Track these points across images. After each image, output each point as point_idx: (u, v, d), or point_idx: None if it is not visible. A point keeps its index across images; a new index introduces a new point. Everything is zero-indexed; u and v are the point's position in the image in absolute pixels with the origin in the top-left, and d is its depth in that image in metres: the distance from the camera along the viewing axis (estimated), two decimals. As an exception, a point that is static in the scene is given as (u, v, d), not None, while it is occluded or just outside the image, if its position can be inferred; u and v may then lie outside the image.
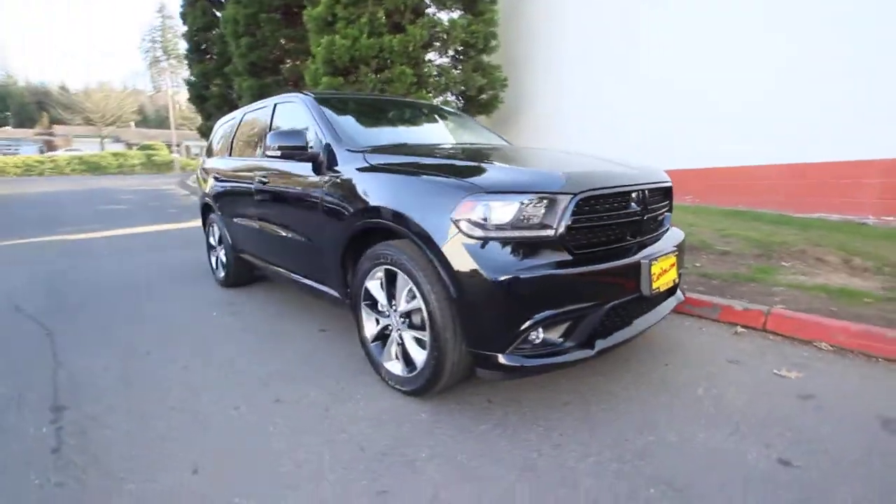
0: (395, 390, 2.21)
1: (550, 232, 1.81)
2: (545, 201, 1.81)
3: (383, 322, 2.27)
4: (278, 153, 2.66)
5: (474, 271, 1.77)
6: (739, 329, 2.85)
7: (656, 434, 1.84)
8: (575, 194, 1.85)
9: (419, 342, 2.08)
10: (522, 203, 1.79)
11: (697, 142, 6.18)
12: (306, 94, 3.09)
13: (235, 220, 3.80)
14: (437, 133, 3.40)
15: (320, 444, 1.84)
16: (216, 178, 4.07)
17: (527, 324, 1.78)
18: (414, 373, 2.09)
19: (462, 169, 2.01)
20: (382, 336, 2.32)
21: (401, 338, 2.17)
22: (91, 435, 1.96)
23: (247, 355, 2.73)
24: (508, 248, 1.79)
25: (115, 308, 3.76)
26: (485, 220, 1.78)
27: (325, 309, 3.52)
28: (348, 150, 2.52)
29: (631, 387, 2.20)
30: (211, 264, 4.56)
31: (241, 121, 4.01)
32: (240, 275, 4.19)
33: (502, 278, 1.74)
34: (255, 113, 3.75)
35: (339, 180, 2.43)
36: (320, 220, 2.55)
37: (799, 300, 3.09)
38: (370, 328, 2.36)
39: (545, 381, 2.25)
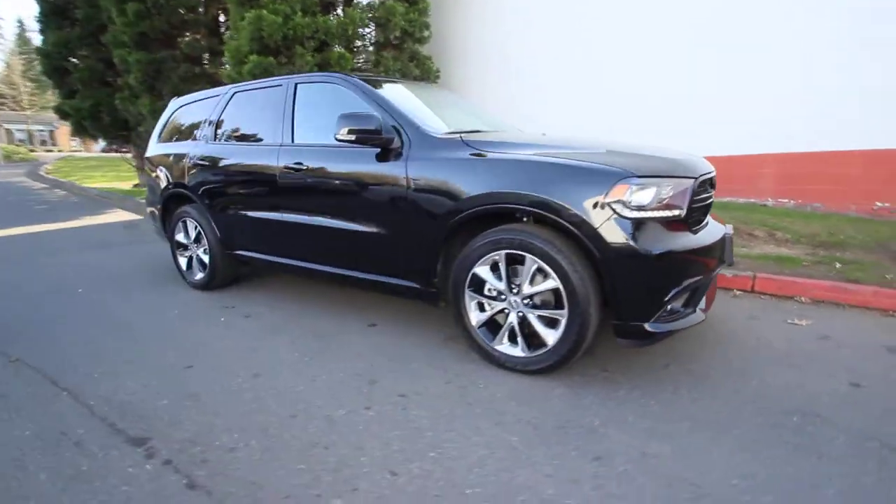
0: (514, 371, 2.27)
1: (679, 212, 2.04)
2: (677, 185, 2.03)
3: (496, 306, 2.30)
4: (351, 138, 2.47)
5: (630, 248, 1.93)
6: (736, 292, 3.45)
7: (758, 378, 2.20)
8: (696, 178, 2.11)
9: (548, 321, 2.17)
10: (661, 186, 1.98)
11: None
12: (348, 75, 2.89)
13: (234, 212, 3.37)
14: (470, 113, 3.41)
15: (492, 429, 1.84)
16: (200, 166, 3.54)
17: (671, 293, 2.00)
18: (541, 351, 2.17)
19: (595, 156, 2.12)
20: (492, 321, 2.34)
21: (521, 320, 2.23)
22: (216, 465, 1.69)
23: (313, 358, 2.52)
24: (653, 227, 1.97)
25: (97, 324, 3.13)
26: (633, 202, 1.94)
27: (350, 302, 3.35)
28: (437, 136, 2.45)
29: (704, 346, 2.56)
30: (179, 265, 3.96)
31: (229, 101, 3.54)
32: (226, 275, 3.74)
33: (657, 252, 1.93)
34: (259, 93, 3.35)
35: (434, 167, 2.37)
36: (406, 209, 2.45)
37: (754, 266, 3.80)
38: (476, 315, 2.36)
39: (638, 349, 2.49)
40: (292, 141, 3.04)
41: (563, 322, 2.09)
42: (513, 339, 2.29)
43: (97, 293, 3.81)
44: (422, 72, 8.65)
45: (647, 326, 2.00)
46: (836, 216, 5.16)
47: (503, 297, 2.27)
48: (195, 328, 3.02)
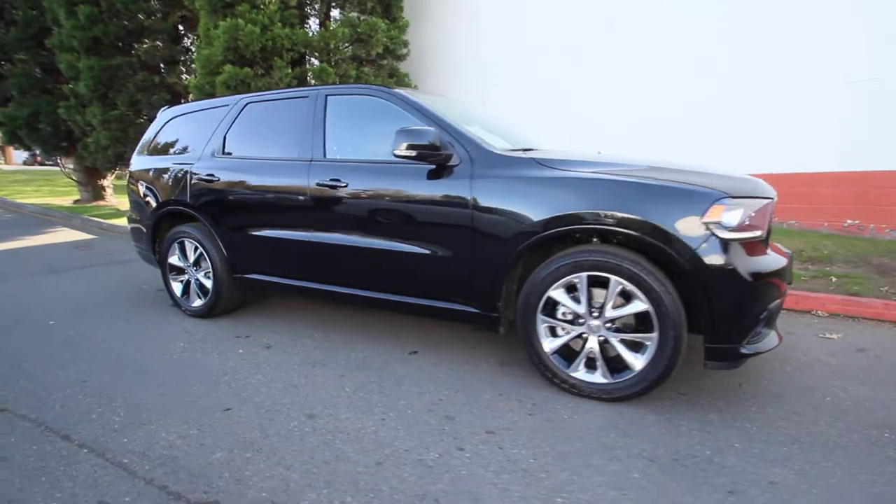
0: (592, 399, 2.16)
1: (761, 233, 2.04)
2: (760, 205, 2.04)
3: (572, 330, 2.19)
4: (411, 153, 2.31)
5: (728, 269, 1.89)
6: (757, 308, 3.56)
7: (829, 394, 2.22)
8: (773, 199, 2.13)
9: (630, 345, 2.09)
10: (748, 207, 1.98)
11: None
12: (394, 89, 2.72)
13: (248, 232, 3.06)
14: (499, 124, 3.32)
15: (608, 465, 1.71)
16: (206, 181, 3.20)
17: (762, 315, 1.99)
18: (627, 377, 2.08)
19: (679, 175, 2.09)
20: (565, 347, 2.23)
21: (601, 345, 2.14)
22: None
23: (370, 394, 2.29)
24: (743, 248, 1.96)
25: (89, 360, 2.72)
26: (727, 222, 1.92)
27: (377, 328, 3.13)
28: (503, 154, 2.34)
29: (761, 362, 2.56)
30: (172, 291, 3.55)
31: (240, 112, 3.25)
32: (231, 300, 3.40)
33: (752, 273, 1.92)
34: (279, 104, 3.09)
35: (504, 186, 2.24)
36: (470, 229, 2.30)
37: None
38: (548, 340, 2.24)
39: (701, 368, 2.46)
40: (324, 156, 2.81)
41: (653, 346, 2.02)
42: (590, 366, 2.19)
43: (74, 324, 3.33)
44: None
45: (741, 349, 1.97)
46: (812, 233, 5.54)
47: (581, 321, 2.17)
48: (212, 362, 2.68)
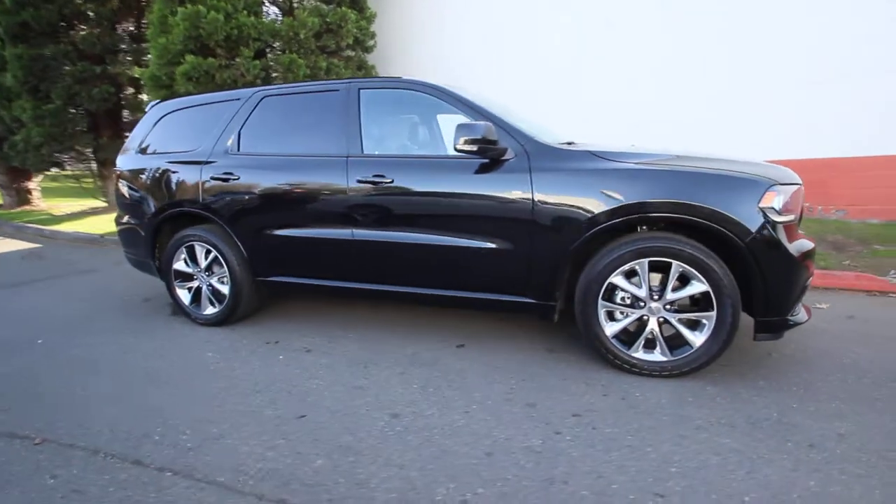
0: (653, 376, 2.31)
1: (796, 216, 2.27)
2: (796, 191, 2.26)
3: (633, 314, 2.32)
4: (472, 148, 2.32)
5: (782, 250, 2.10)
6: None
7: (845, 356, 2.50)
8: (801, 185, 2.37)
9: (690, 325, 2.26)
10: (787, 193, 2.19)
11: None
12: (434, 84, 2.70)
13: (275, 233, 2.93)
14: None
15: (698, 435, 1.85)
16: (222, 180, 3.00)
17: (804, 289, 2.22)
18: (687, 354, 2.25)
19: (718, 164, 2.26)
20: (625, 330, 2.36)
21: (660, 325, 2.29)
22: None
23: (440, 389, 2.31)
24: (788, 231, 2.17)
25: (114, 377, 2.52)
26: (777, 207, 2.12)
27: (409, 324, 3.13)
28: (559, 147, 2.41)
29: (787, 341, 2.78)
30: (179, 299, 3.32)
31: (255, 106, 3.07)
32: (249, 306, 3.24)
33: (798, 253, 2.13)
34: (303, 98, 2.96)
35: (565, 178, 2.32)
36: (532, 222, 2.36)
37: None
38: (609, 325, 2.36)
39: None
40: (361, 151, 2.75)
41: (711, 323, 2.20)
42: (648, 345, 2.33)
43: (73, 342, 3.05)
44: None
45: (789, 320, 2.19)
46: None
47: (641, 304, 2.31)
48: (256, 370, 2.56)
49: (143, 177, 3.36)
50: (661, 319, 2.29)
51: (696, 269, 2.17)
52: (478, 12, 8.06)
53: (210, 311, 3.25)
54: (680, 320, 2.27)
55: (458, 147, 2.34)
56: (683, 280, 2.23)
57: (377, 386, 2.35)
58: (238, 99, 3.17)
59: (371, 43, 8.26)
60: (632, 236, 2.29)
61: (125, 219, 3.54)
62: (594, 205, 2.26)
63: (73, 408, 2.22)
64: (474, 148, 2.33)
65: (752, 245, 2.10)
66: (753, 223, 2.09)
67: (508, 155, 2.43)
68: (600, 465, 1.70)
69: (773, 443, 1.79)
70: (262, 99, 3.09)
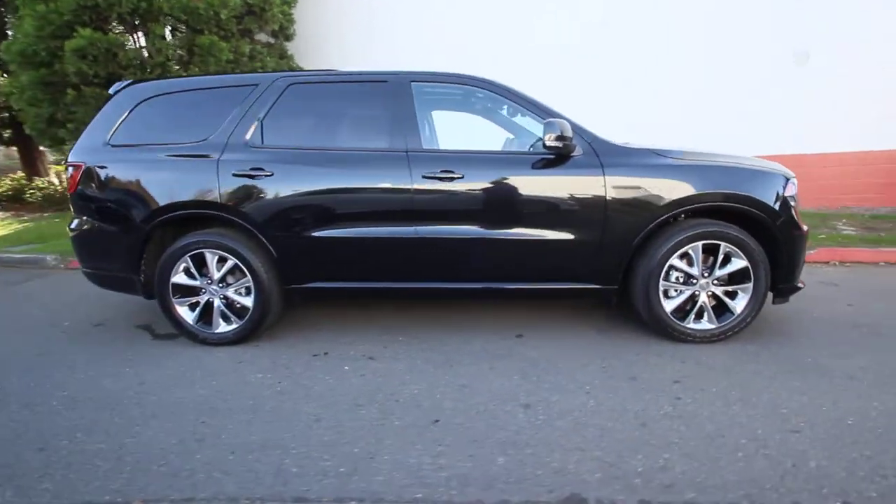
0: (703, 342, 2.69)
1: (795, 202, 2.84)
2: (795, 183, 2.83)
3: (685, 290, 2.67)
4: (559, 144, 2.43)
5: (799, 230, 2.63)
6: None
7: (834, 310, 3.17)
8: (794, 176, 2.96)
9: (730, 296, 2.69)
10: (796, 184, 2.74)
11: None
12: (493, 81, 2.71)
13: (318, 234, 2.67)
14: None
15: (774, 381, 2.25)
16: (250, 176, 2.62)
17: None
18: (730, 320, 2.67)
19: (747, 161, 2.72)
20: (681, 306, 2.70)
21: (709, 297, 2.68)
22: None
23: (539, 377, 2.41)
24: (797, 213, 2.71)
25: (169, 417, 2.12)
26: (793, 195, 2.64)
27: (452, 319, 3.16)
28: (623, 146, 2.64)
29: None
30: (180, 318, 2.82)
31: (281, 94, 2.74)
32: (274, 318, 2.92)
33: (806, 229, 2.69)
34: (341, 87, 2.74)
35: (635, 173, 2.57)
36: (604, 214, 2.57)
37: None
38: (668, 302, 2.67)
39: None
40: (421, 146, 2.66)
41: (749, 293, 2.65)
42: (698, 316, 2.71)
43: (72, 381, 2.43)
44: (290, 70, 7.81)
45: (797, 285, 2.74)
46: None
47: (694, 281, 2.67)
48: (332, 386, 2.35)
49: (124, 173, 2.77)
50: (710, 293, 2.69)
51: (739, 249, 2.60)
52: (410, 3, 7.93)
53: (225, 328, 2.83)
54: (725, 292, 2.69)
55: (549, 144, 2.44)
56: (726, 258, 2.65)
57: (480, 382, 2.35)
58: (254, 85, 2.80)
59: (292, 30, 7.69)
60: (688, 223, 2.64)
61: (91, 226, 2.87)
62: (661, 196, 2.56)
63: (148, 461, 1.80)
64: (560, 144, 2.45)
65: (780, 226, 2.60)
66: (781, 208, 2.59)
67: (577, 152, 2.60)
68: (733, 417, 1.98)
69: (826, 381, 2.27)
70: (288, 86, 2.78)
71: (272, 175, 2.66)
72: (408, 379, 2.40)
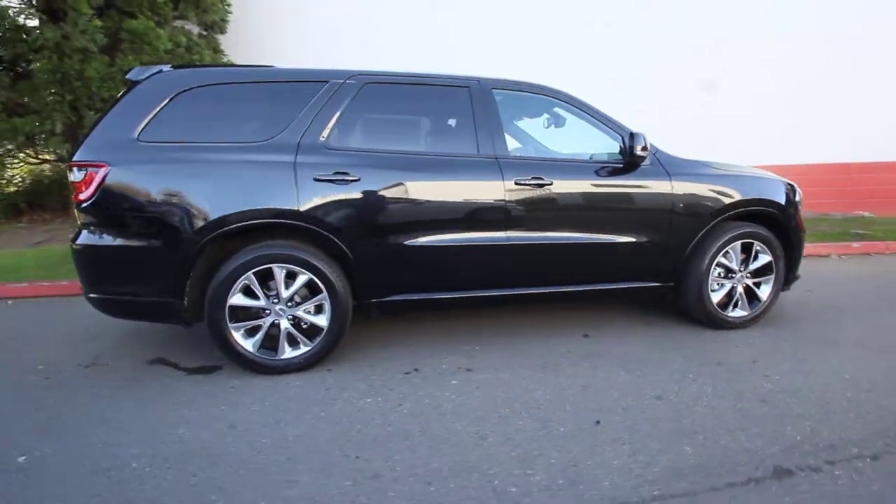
0: (738, 327, 3.11)
1: (801, 207, 3.41)
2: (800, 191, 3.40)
3: (726, 284, 3.06)
4: (644, 154, 2.62)
5: (803, 230, 3.19)
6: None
7: (835, 292, 3.86)
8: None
9: (757, 286, 3.14)
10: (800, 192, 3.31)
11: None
12: (567, 93, 2.81)
13: (410, 243, 2.51)
14: None
15: (811, 355, 2.70)
16: (335, 182, 2.36)
17: (800, 254, 3.39)
18: (758, 306, 3.12)
19: (761, 171, 3.21)
20: (722, 298, 3.07)
21: (745, 288, 3.10)
22: None
23: (644, 372, 2.60)
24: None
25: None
26: (800, 200, 3.19)
27: (514, 323, 3.22)
28: (679, 157, 2.93)
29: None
30: (238, 346, 2.41)
31: (357, 93, 2.52)
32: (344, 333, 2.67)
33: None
34: (419, 90, 2.62)
35: (696, 181, 2.89)
36: (670, 217, 2.84)
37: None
38: (717, 296, 3.03)
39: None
40: (507, 152, 2.67)
41: (771, 283, 3.13)
42: (735, 305, 3.12)
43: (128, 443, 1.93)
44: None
45: (797, 275, 3.31)
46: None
47: (733, 275, 3.07)
48: (459, 400, 2.24)
49: (169, 176, 2.29)
50: (744, 285, 3.12)
51: (766, 246, 3.07)
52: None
53: (292, 353, 2.49)
54: (755, 283, 3.14)
55: (638, 152, 2.63)
56: (756, 255, 3.10)
57: (597, 381, 2.42)
58: (324, 81, 2.53)
59: (227, 20, 6.94)
60: (729, 225, 3.02)
61: (115, 241, 2.31)
62: (717, 201, 2.92)
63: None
64: (645, 154, 2.66)
65: (793, 227, 3.13)
66: (794, 212, 3.12)
67: (645, 162, 2.85)
68: (819, 385, 2.35)
69: (846, 351, 2.79)
70: (364, 85, 2.57)
71: (359, 180, 2.44)
72: (527, 386, 2.38)
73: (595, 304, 3.56)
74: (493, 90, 2.75)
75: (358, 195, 2.45)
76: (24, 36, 4.41)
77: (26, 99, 5.00)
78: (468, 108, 2.68)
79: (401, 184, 2.51)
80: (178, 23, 6.34)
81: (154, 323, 2.95)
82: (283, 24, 7.81)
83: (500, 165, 2.63)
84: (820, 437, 1.93)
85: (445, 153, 2.64)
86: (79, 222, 2.40)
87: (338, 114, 2.52)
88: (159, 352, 2.83)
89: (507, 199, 2.62)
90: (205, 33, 6.59)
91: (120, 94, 2.46)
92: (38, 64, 4.93)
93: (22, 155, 6.61)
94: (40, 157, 6.44)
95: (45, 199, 7.86)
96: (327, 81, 2.55)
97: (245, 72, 2.55)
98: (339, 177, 2.42)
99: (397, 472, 1.72)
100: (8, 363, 2.75)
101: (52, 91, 5.02)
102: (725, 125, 7.75)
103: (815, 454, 1.82)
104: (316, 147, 2.45)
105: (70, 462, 1.81)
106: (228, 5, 6.53)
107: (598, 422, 2.06)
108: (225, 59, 6.98)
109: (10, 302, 4.06)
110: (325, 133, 2.48)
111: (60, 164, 6.19)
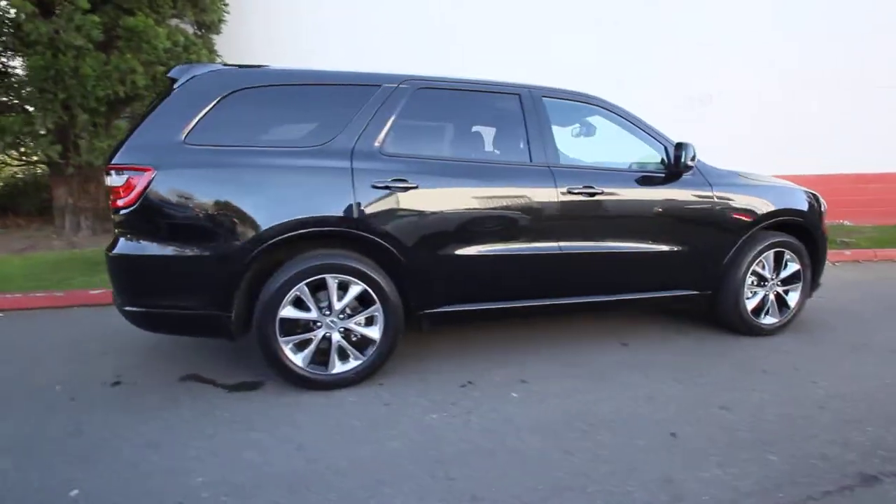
0: (769, 334, 3.17)
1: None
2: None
3: (759, 291, 3.12)
4: (693, 164, 2.68)
5: (826, 236, 3.28)
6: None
7: (853, 293, 3.99)
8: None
9: (786, 293, 3.22)
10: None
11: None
12: (615, 105, 2.83)
13: (464, 253, 2.45)
14: None
15: (847, 356, 2.78)
16: (393, 189, 2.27)
17: (821, 261, 3.51)
18: (787, 312, 3.20)
19: (787, 182, 3.31)
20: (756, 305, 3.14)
21: (776, 296, 3.17)
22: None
23: (701, 381, 2.62)
24: (822, 224, 3.40)
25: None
26: (825, 210, 3.30)
27: (550, 334, 3.21)
28: (714, 167, 2.98)
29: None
30: (288, 360, 2.29)
31: (410, 97, 2.45)
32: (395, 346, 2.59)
33: (827, 239, 3.40)
34: (469, 97, 2.57)
35: (733, 191, 2.95)
36: (711, 226, 2.90)
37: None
38: (752, 303, 3.09)
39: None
40: (558, 161, 2.65)
41: (798, 290, 3.22)
42: (766, 312, 3.19)
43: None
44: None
45: (820, 282, 3.42)
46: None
47: (765, 283, 3.14)
48: (528, 417, 2.18)
49: (220, 182, 2.16)
50: (775, 293, 3.20)
51: (795, 254, 3.16)
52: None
53: (342, 367, 2.39)
54: (785, 291, 3.22)
55: (689, 162, 2.66)
56: (786, 263, 3.18)
57: (655, 392, 2.41)
58: (376, 85, 2.45)
59: (223, 19, 6.70)
60: (763, 234, 3.08)
61: (159, 251, 2.15)
62: (756, 210, 2.98)
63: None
64: (693, 164, 2.70)
65: (819, 236, 3.23)
66: (820, 222, 3.23)
67: (689, 172, 2.88)
68: (866, 390, 2.41)
69: (880, 356, 2.89)
70: (417, 90, 2.50)
71: (417, 187, 2.37)
72: (589, 398, 2.34)
73: (624, 313, 3.58)
74: (544, 98, 2.74)
75: (415, 203, 2.38)
76: (12, 31, 4.11)
77: (12, 96, 4.67)
78: (519, 116, 2.65)
79: (457, 192, 2.46)
80: (174, 21, 6.12)
81: (184, 337, 2.78)
82: (276, 25, 7.62)
83: (552, 174, 2.61)
84: (886, 442, 1.98)
85: (500, 161, 2.61)
86: (115, 230, 2.23)
87: (392, 119, 2.44)
88: (189, 368, 2.66)
89: (559, 207, 2.60)
90: (200, 33, 6.35)
91: (160, 94, 2.31)
92: (25, 60, 4.61)
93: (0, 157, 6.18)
94: (24, 158, 6.02)
95: (19, 202, 7.40)
96: (379, 86, 2.47)
97: (295, 73, 2.44)
98: (398, 183, 2.34)
99: (494, 493, 1.65)
100: (21, 381, 2.53)
101: (40, 88, 4.71)
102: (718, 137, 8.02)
103: (891, 460, 1.86)
104: (371, 153, 2.36)
105: (130, 494, 1.66)
106: (226, 5, 6.31)
107: (673, 434, 2.04)
108: (218, 60, 6.75)
109: (1, 314, 3.76)
110: (381, 138, 2.40)
111: (47, 166, 5.79)
